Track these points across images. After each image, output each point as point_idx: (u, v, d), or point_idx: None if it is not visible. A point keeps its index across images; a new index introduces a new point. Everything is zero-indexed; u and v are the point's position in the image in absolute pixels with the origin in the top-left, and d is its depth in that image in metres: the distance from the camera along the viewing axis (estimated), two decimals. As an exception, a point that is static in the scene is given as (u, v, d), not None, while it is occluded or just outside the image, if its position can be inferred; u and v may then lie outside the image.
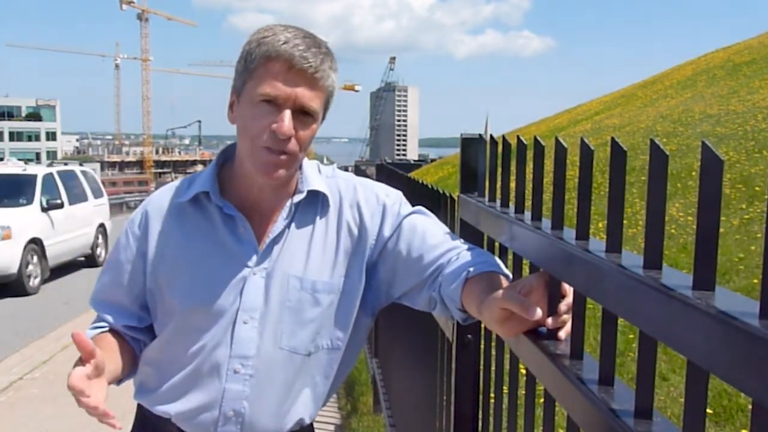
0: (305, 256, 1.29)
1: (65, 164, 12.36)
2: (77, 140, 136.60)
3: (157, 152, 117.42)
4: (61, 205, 9.97)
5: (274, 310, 1.27)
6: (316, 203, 1.31)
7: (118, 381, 1.36)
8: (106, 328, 1.37)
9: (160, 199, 1.35)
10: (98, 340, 1.32)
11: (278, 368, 1.28)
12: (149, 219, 1.33)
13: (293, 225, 1.30)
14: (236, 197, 1.29)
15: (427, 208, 1.38)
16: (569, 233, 0.88)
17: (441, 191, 1.87)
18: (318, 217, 1.31)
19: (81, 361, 1.12)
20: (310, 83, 1.18)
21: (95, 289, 1.41)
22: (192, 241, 1.29)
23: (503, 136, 1.23)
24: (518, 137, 1.15)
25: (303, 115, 1.19)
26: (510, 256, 1.19)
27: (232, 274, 1.27)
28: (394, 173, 3.87)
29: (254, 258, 1.27)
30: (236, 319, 1.26)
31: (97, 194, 11.76)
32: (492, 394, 1.31)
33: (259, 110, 1.18)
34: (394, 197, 1.35)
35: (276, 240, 1.28)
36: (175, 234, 1.31)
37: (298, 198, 1.29)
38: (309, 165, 1.34)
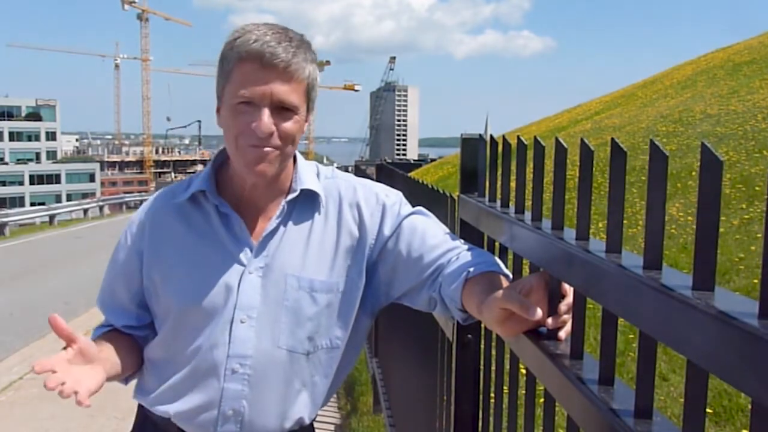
0: (303, 255, 1.29)
1: None
2: (77, 140, 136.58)
3: (157, 152, 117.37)
4: None
5: (272, 309, 1.27)
6: (313, 203, 1.32)
7: (126, 379, 1.38)
8: (110, 328, 1.38)
9: (160, 199, 1.37)
10: (101, 338, 1.34)
11: (277, 368, 1.28)
12: (147, 218, 1.35)
13: (290, 224, 1.30)
14: (232, 196, 1.31)
15: (427, 208, 1.38)
16: (569, 233, 0.89)
17: (441, 191, 1.87)
18: (316, 217, 1.31)
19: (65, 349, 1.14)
20: (283, 78, 1.19)
21: (100, 290, 1.43)
22: (188, 239, 1.30)
23: (503, 136, 1.23)
24: (518, 137, 1.15)
25: (283, 110, 1.20)
26: (510, 256, 1.19)
27: (228, 273, 1.27)
28: (394, 173, 3.87)
29: (249, 256, 1.28)
30: (233, 318, 1.26)
31: None
32: (492, 394, 1.31)
33: (237, 112, 1.20)
34: (394, 197, 1.35)
35: (269, 238, 1.29)
36: (172, 233, 1.31)
37: (291, 197, 1.30)
38: (305, 165, 1.35)
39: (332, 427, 4.15)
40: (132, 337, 1.38)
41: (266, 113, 1.18)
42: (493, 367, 1.29)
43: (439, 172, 18.35)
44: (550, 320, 0.94)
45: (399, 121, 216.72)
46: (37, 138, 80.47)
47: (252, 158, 1.20)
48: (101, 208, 26.01)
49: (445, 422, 1.70)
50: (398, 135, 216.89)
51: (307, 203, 1.32)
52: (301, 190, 1.30)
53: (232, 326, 1.26)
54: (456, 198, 1.60)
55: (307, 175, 1.33)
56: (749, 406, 0.54)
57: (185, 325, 1.28)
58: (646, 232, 0.68)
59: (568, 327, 0.93)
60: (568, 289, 0.94)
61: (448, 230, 1.33)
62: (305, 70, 1.21)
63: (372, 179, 1.42)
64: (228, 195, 1.31)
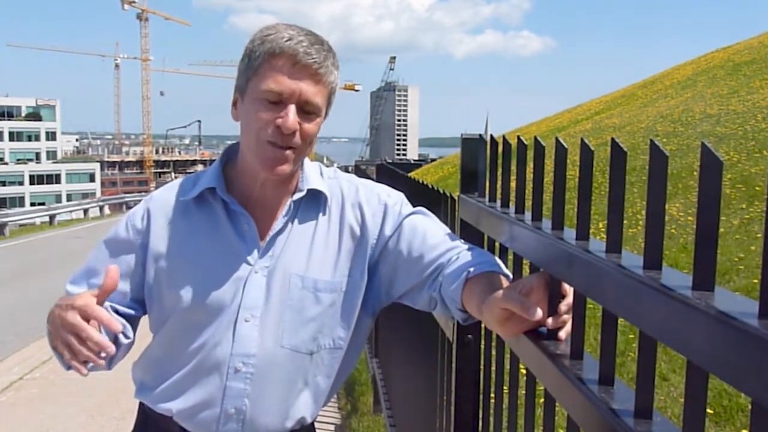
0: (307, 255, 1.29)
1: None
2: (77, 140, 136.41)
3: (157, 152, 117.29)
4: None
5: (275, 309, 1.27)
6: (318, 203, 1.32)
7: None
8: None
9: (164, 196, 1.35)
10: None
11: (279, 367, 1.28)
12: (152, 214, 1.33)
13: (295, 224, 1.30)
14: (240, 195, 1.30)
15: (427, 208, 1.38)
16: (569, 233, 0.89)
17: (441, 191, 1.87)
18: (320, 217, 1.32)
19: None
20: (313, 78, 1.20)
21: (84, 268, 1.35)
22: (195, 237, 1.29)
23: (503, 136, 1.23)
24: (518, 137, 1.15)
25: (307, 110, 1.21)
26: (510, 256, 1.19)
27: (234, 272, 1.27)
28: (394, 173, 3.87)
29: (256, 256, 1.28)
30: (237, 317, 1.26)
31: None
32: (492, 394, 1.32)
33: (263, 106, 1.20)
34: (395, 198, 1.36)
35: (276, 238, 1.29)
36: (178, 230, 1.31)
37: (297, 196, 1.30)
38: (310, 165, 1.35)
39: (332, 427, 4.15)
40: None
41: (293, 110, 1.19)
42: (493, 367, 1.29)
43: (439, 172, 18.36)
44: (550, 320, 0.94)
45: (399, 121, 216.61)
46: (37, 138, 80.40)
47: (271, 157, 1.21)
48: (101, 208, 26.02)
49: (445, 422, 1.70)
50: (398, 135, 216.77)
51: (311, 203, 1.32)
52: (308, 190, 1.30)
53: (236, 325, 1.26)
54: (456, 198, 1.60)
55: (313, 175, 1.33)
56: (749, 406, 0.55)
57: (189, 323, 1.28)
58: (646, 232, 0.68)
59: (568, 327, 0.93)
60: (568, 289, 0.94)
61: (448, 230, 1.33)
62: (332, 74, 1.24)
63: (372, 179, 1.42)
64: (236, 193, 1.30)
